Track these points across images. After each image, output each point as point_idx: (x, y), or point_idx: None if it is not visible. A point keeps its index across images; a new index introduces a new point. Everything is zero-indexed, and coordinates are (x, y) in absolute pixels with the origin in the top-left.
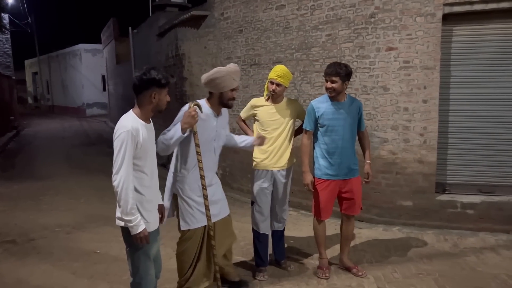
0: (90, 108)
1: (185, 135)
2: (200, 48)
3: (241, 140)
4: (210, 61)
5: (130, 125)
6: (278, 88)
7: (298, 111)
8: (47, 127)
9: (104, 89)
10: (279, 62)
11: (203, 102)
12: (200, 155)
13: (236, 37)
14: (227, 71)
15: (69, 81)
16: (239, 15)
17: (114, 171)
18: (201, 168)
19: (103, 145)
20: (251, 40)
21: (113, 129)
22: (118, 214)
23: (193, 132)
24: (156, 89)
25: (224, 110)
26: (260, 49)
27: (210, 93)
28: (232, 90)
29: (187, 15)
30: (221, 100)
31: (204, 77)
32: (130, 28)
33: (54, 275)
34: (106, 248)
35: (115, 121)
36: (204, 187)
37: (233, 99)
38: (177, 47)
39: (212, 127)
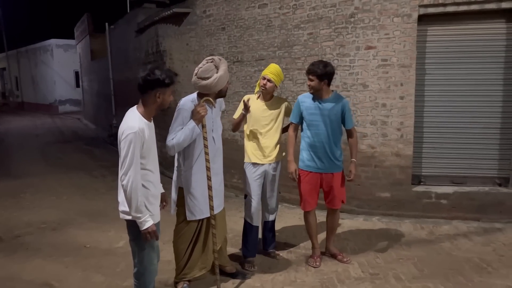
0: (62, 105)
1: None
2: (181, 45)
3: None
4: (192, 58)
5: (137, 126)
6: (268, 84)
7: (286, 108)
8: (18, 124)
9: (78, 86)
10: (262, 60)
11: (193, 96)
12: (207, 147)
13: (219, 34)
14: (224, 68)
15: (40, 77)
16: (222, 13)
17: (122, 171)
18: (207, 160)
19: (79, 142)
20: (233, 38)
21: (87, 126)
22: (122, 208)
23: (202, 125)
24: (161, 89)
25: (218, 99)
26: (242, 46)
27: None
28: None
29: (168, 12)
30: (220, 94)
31: (206, 86)
32: (106, 24)
33: (46, 269)
34: (95, 243)
35: (90, 118)
36: (209, 178)
37: (227, 88)
38: (157, 44)
39: (209, 117)
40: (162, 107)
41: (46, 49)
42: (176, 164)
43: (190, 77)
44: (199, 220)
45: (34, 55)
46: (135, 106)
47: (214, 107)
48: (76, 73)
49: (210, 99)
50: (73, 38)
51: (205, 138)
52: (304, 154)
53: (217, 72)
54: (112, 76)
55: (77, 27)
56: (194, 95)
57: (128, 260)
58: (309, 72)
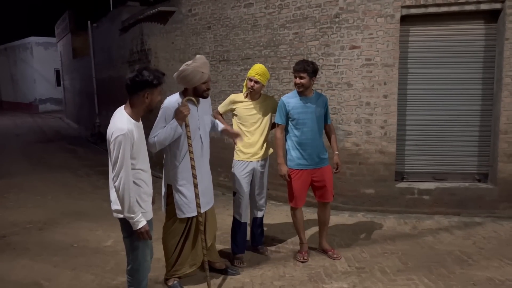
0: (43, 104)
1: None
2: (167, 43)
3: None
4: (178, 57)
5: (126, 127)
6: (256, 85)
7: (274, 107)
8: None
9: (58, 84)
10: (248, 59)
11: (176, 96)
12: (191, 146)
13: (205, 33)
14: (193, 67)
15: (19, 75)
16: (207, 12)
17: (113, 173)
18: (192, 159)
19: (62, 142)
20: (219, 37)
21: (69, 125)
22: (115, 207)
23: (186, 125)
24: (149, 89)
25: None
26: (228, 45)
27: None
28: (204, 83)
29: (153, 10)
30: (196, 93)
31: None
32: (89, 22)
33: (34, 269)
34: (83, 242)
35: (72, 117)
36: (194, 176)
37: (207, 90)
38: (142, 42)
39: (194, 116)
40: (150, 107)
41: (26, 47)
42: (164, 162)
43: None
44: (189, 217)
45: (13, 53)
46: (122, 106)
47: (196, 105)
48: (57, 72)
49: (193, 98)
50: (54, 36)
51: (188, 137)
52: (293, 154)
53: (189, 66)
54: (95, 74)
55: (57, 25)
56: (178, 94)
57: (117, 259)
58: (300, 70)
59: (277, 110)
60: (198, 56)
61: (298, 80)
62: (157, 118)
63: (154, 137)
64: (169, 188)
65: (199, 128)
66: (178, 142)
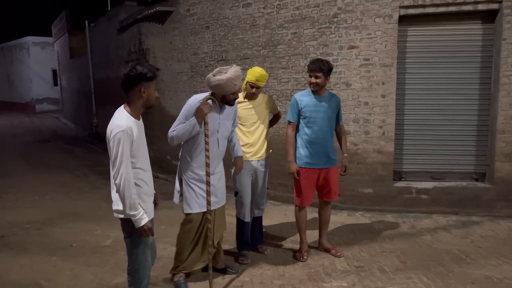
0: (39, 103)
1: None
2: (165, 43)
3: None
4: (176, 57)
5: (125, 124)
6: (257, 91)
7: (272, 106)
8: None
9: (55, 84)
10: (247, 59)
11: (203, 95)
12: (207, 144)
13: (203, 33)
14: (227, 78)
15: (15, 75)
16: (206, 12)
17: (114, 170)
18: (207, 156)
19: (59, 142)
20: (218, 37)
21: (66, 125)
22: (116, 207)
23: (204, 123)
24: (145, 83)
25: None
26: (227, 45)
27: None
28: (233, 93)
29: (152, 10)
30: (223, 100)
31: (206, 81)
32: (86, 22)
33: (33, 269)
34: (82, 242)
35: (69, 117)
36: (208, 174)
37: (235, 99)
38: (140, 42)
39: (215, 118)
40: (148, 103)
41: (22, 47)
42: (180, 156)
43: (173, 76)
44: (203, 214)
45: (9, 52)
46: (122, 105)
47: (218, 106)
48: (54, 71)
49: (213, 98)
50: (51, 36)
51: (206, 135)
52: (302, 152)
53: (223, 74)
54: (92, 74)
55: (54, 25)
56: (206, 94)
57: (116, 258)
58: (316, 70)
59: (289, 108)
60: (234, 67)
61: (313, 80)
62: (180, 113)
63: (173, 131)
64: (182, 182)
65: (218, 132)
66: (195, 139)
